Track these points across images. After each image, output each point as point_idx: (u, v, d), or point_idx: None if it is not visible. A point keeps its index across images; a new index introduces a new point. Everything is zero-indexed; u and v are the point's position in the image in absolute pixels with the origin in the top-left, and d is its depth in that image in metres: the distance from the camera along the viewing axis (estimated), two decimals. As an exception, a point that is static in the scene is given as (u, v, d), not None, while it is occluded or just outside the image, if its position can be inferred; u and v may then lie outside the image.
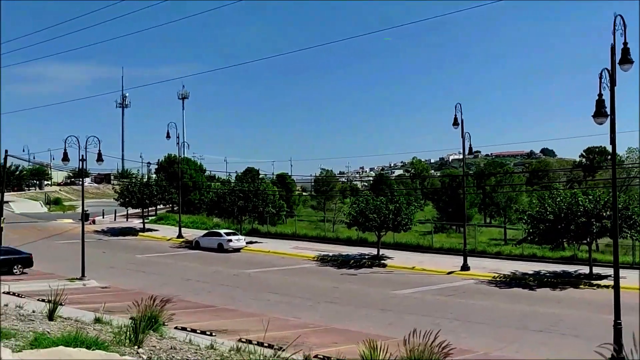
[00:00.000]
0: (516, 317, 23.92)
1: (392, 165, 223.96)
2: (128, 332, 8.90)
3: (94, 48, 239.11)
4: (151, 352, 8.85)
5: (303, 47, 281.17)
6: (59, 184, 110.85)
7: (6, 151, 38.26)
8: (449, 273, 34.45)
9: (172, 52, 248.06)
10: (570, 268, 34.04)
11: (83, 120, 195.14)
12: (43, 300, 22.24)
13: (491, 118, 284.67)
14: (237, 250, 43.88)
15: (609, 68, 16.89)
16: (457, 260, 36.44)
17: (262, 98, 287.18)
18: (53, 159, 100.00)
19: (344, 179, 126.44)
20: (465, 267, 34.49)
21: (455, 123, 33.97)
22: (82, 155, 32.81)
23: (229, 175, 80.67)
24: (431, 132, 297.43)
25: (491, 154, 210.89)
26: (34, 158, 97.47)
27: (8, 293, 24.51)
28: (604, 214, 29.65)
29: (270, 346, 17.08)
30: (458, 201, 60.95)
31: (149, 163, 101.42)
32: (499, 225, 62.21)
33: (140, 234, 54.06)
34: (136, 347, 8.85)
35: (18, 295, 23.59)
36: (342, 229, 54.95)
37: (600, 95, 16.86)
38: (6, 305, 15.57)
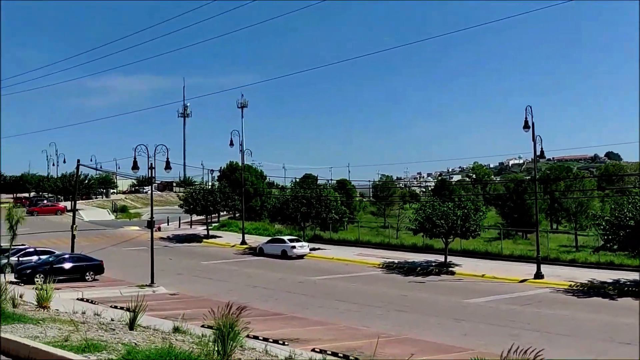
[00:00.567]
0: (599, 328, 22.71)
1: (449, 170, 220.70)
2: (217, 345, 8.58)
3: (151, 60, 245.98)
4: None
5: (359, 55, 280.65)
6: (123, 192, 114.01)
7: (78, 160, 39.57)
8: (522, 281, 33.15)
9: (230, 62, 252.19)
10: (653, 276, 32.18)
11: (144, 130, 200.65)
12: (116, 307, 22.64)
13: (553, 121, 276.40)
14: (301, 257, 43.70)
15: None
16: (529, 268, 35.18)
17: (318, 104, 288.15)
18: (119, 167, 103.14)
19: (401, 185, 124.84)
20: (538, 275, 33.12)
21: (526, 126, 32.88)
22: (151, 164, 33.31)
23: (293, 180, 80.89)
24: (490, 137, 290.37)
25: (552, 158, 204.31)
26: (100, 167, 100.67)
27: (82, 300, 25.02)
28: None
29: (345, 357, 16.63)
30: (523, 207, 59.10)
31: (211, 170, 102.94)
32: (567, 232, 59.87)
33: (205, 240, 54.69)
34: (226, 360, 8.56)
35: (92, 302, 24.03)
36: (404, 236, 54.10)
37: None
38: (84, 312, 15.70)
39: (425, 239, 42.41)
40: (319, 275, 36.30)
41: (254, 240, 51.37)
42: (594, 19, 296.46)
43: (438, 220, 36.34)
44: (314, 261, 42.74)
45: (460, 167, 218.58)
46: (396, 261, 40.13)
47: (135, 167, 33.07)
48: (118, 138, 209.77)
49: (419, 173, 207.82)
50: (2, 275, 25.10)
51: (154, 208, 38.95)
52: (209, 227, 58.80)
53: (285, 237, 46.34)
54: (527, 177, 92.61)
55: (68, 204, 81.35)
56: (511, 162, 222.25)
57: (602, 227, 32.32)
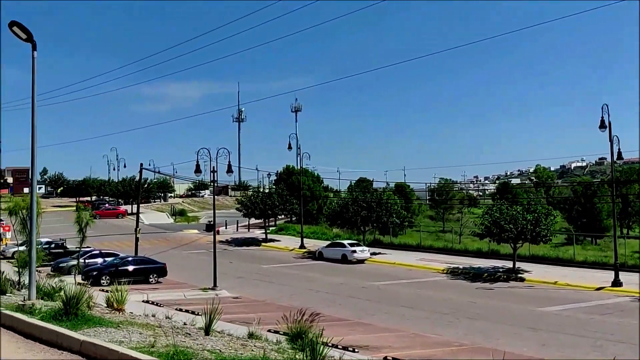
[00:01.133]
0: (691, 341, 20.97)
1: (508, 173, 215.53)
2: (305, 355, 7.96)
3: (204, 66, 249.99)
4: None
5: (414, 57, 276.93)
6: (180, 196, 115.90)
7: (141, 164, 40.17)
8: (598, 289, 31.38)
9: (282, 66, 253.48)
10: None
11: (199, 135, 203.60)
12: (181, 310, 22.47)
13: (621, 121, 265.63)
14: (362, 261, 42.91)
15: None
16: (603, 275, 33.42)
17: (372, 107, 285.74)
18: (176, 172, 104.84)
19: (457, 188, 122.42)
20: (616, 283, 31.30)
21: (602, 126, 31.21)
22: (214, 167, 33.29)
23: (351, 183, 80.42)
24: (551, 139, 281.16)
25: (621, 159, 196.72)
26: (159, 171, 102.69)
27: (147, 302, 24.98)
28: None
29: (423, 367, 15.83)
30: (592, 211, 56.59)
31: (269, 174, 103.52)
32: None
33: (263, 244, 54.66)
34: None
35: (158, 305, 23.93)
36: (466, 240, 52.55)
37: None
38: (154, 315, 15.39)
39: (491, 243, 40.90)
40: (381, 280, 35.45)
41: (313, 244, 50.95)
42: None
43: (506, 225, 34.86)
44: (375, 266, 41.88)
45: (519, 170, 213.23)
46: (461, 267, 38.84)
47: (197, 170, 33.13)
48: (173, 143, 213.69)
49: (476, 176, 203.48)
50: (73, 276, 25.44)
51: (210, 212, 38.98)
52: (267, 231, 58.77)
53: (346, 242, 45.67)
54: (596, 180, 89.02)
55: (128, 208, 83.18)
56: (573, 165, 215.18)
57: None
